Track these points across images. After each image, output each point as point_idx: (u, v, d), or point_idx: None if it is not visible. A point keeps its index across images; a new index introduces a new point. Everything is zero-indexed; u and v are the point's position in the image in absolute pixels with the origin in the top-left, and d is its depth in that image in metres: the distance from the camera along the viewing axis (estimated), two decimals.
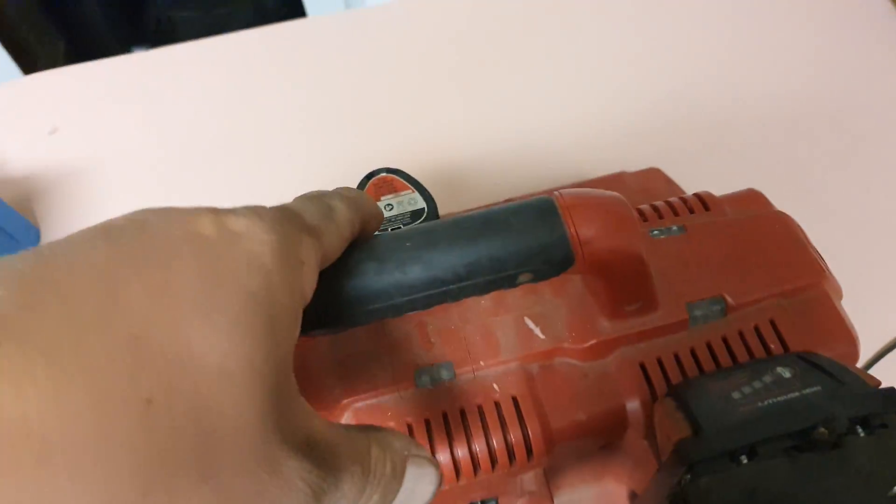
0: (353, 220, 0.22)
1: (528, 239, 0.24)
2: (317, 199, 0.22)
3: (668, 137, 0.56)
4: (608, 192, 0.26)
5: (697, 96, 0.59)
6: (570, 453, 0.29)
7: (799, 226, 0.32)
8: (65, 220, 0.60)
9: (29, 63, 0.71)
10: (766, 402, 0.24)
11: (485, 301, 0.30)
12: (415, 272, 0.23)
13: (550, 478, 0.32)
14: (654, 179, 0.44)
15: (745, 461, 0.23)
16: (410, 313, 0.28)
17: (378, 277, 0.23)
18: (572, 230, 0.24)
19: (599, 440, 0.29)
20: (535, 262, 0.24)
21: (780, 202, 0.34)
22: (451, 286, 0.24)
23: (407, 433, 0.27)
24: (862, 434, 0.23)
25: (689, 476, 0.23)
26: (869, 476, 0.22)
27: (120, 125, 0.66)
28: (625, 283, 0.27)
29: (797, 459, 0.22)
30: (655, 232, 0.31)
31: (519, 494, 0.30)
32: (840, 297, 0.32)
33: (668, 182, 0.43)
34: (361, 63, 0.66)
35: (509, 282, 0.25)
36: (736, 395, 0.25)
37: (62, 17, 1.05)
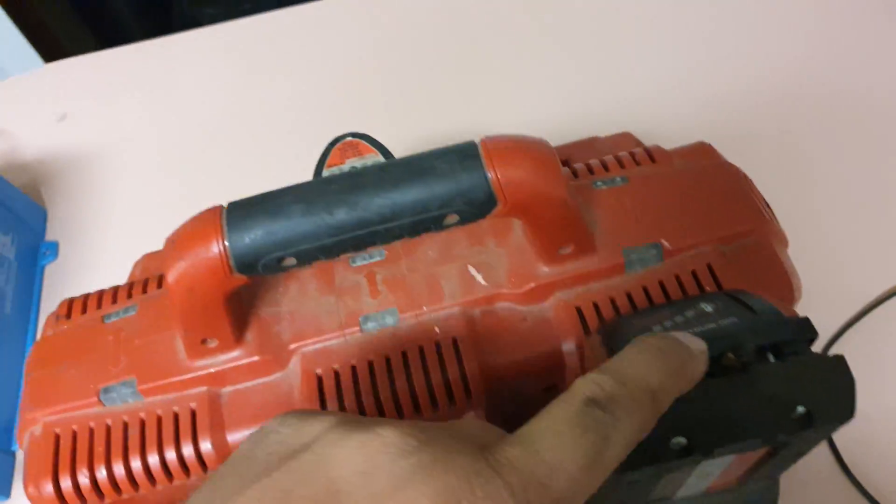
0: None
1: (450, 181, 0.25)
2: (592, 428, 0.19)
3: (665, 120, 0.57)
4: (532, 137, 0.27)
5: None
6: (513, 396, 0.30)
7: (746, 176, 0.33)
8: (71, 203, 0.63)
9: (58, 56, 0.75)
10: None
11: (431, 252, 0.31)
12: (341, 214, 0.25)
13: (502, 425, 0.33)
14: (624, 142, 0.44)
15: None
16: (359, 263, 0.29)
17: (306, 219, 0.25)
18: (493, 172, 0.25)
19: (539, 381, 0.30)
20: (458, 203, 0.25)
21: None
22: (379, 227, 0.25)
23: (350, 375, 0.29)
24: (772, 361, 0.23)
25: None
26: (774, 399, 0.23)
27: (128, 113, 0.68)
28: (552, 225, 0.28)
29: (705, 384, 0.23)
30: (599, 183, 0.32)
31: None
32: (785, 245, 0.32)
33: (638, 144, 0.44)
34: (365, 47, 0.68)
35: (436, 223, 0.26)
36: (656, 328, 0.25)
37: (90, 12, 1.09)
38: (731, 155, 0.35)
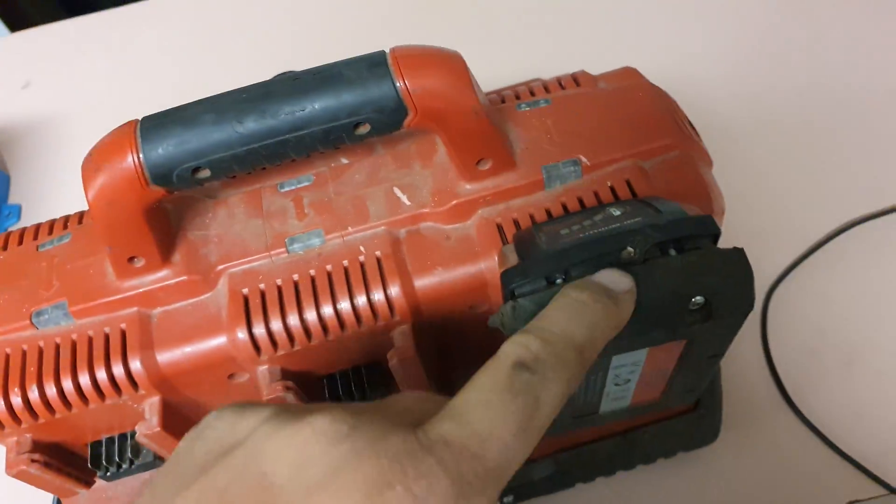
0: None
1: (359, 88, 0.25)
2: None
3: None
4: (443, 48, 0.27)
5: None
6: (440, 313, 0.30)
7: (672, 99, 0.33)
8: (33, 168, 0.64)
9: (24, 26, 0.76)
10: (587, 234, 0.25)
11: (359, 176, 0.32)
12: (250, 122, 0.25)
13: (444, 355, 0.34)
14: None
15: (559, 283, 0.24)
16: (287, 189, 0.30)
17: (216, 128, 0.25)
18: (402, 81, 0.26)
19: (464, 299, 0.30)
20: (367, 111, 0.26)
21: None
22: (289, 136, 0.26)
23: (277, 294, 0.29)
24: (673, 255, 0.24)
25: (509, 301, 0.24)
26: (673, 291, 0.23)
27: (90, 80, 0.69)
28: (467, 137, 0.28)
29: None
30: (522, 105, 0.32)
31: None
32: (709, 165, 0.33)
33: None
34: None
35: (348, 133, 0.26)
36: (564, 231, 0.26)
37: None
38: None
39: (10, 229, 0.61)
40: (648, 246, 0.24)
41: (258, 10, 0.70)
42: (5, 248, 0.33)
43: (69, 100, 0.67)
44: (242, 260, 0.30)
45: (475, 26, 0.65)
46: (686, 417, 0.39)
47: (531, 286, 0.24)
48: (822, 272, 0.48)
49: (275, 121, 0.25)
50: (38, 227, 0.33)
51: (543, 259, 0.24)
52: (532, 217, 0.30)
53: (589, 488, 0.41)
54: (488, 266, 0.29)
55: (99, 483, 0.33)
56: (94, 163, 0.26)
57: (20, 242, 0.33)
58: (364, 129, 0.26)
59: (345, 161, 0.32)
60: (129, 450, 0.32)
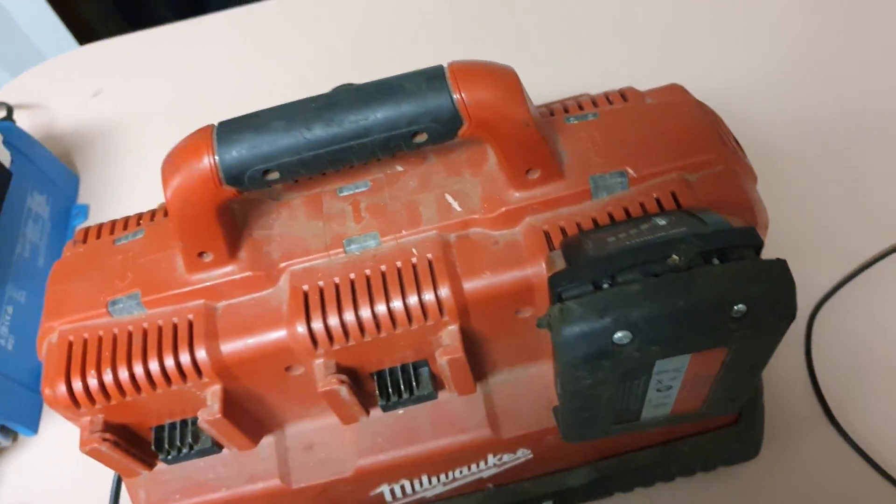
0: None
1: (418, 99, 0.27)
2: None
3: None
4: (497, 63, 0.29)
5: None
6: (486, 316, 0.32)
7: (717, 115, 0.34)
8: (101, 171, 0.67)
9: (90, 38, 0.81)
10: (633, 242, 0.26)
11: (412, 182, 0.33)
12: (318, 129, 0.27)
13: (485, 357, 0.35)
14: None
15: (605, 287, 0.25)
16: (345, 193, 0.31)
17: (286, 134, 0.27)
18: (458, 93, 0.27)
19: (510, 303, 0.31)
20: (425, 120, 0.27)
21: None
22: (352, 142, 0.27)
23: (334, 291, 0.31)
24: (716, 263, 0.25)
25: (557, 304, 0.25)
26: (716, 299, 0.24)
27: (156, 89, 0.72)
28: (518, 147, 0.29)
29: (649, 283, 0.24)
30: (571, 119, 0.33)
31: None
32: (754, 180, 0.33)
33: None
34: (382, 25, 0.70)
35: (407, 141, 0.28)
36: (611, 239, 0.27)
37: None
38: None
39: (77, 227, 0.64)
40: (693, 254, 0.25)
41: (313, 26, 0.73)
42: (85, 241, 0.35)
43: (136, 108, 0.71)
44: (303, 258, 0.32)
45: (527, 43, 0.66)
46: (727, 431, 0.39)
47: (578, 290, 0.25)
48: (868, 292, 0.47)
49: (340, 128, 0.27)
50: (113, 223, 0.36)
51: (590, 264, 0.26)
52: (578, 225, 0.31)
53: (627, 498, 0.42)
54: (535, 271, 0.31)
55: (159, 466, 0.35)
56: (172, 163, 0.28)
57: (98, 237, 0.35)
58: (421, 138, 0.28)
59: (399, 168, 0.34)
60: (189, 435, 0.34)
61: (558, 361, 0.26)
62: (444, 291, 0.30)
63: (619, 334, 0.24)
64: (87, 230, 0.36)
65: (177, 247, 0.32)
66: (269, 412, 0.35)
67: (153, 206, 0.46)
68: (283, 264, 0.32)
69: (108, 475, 0.46)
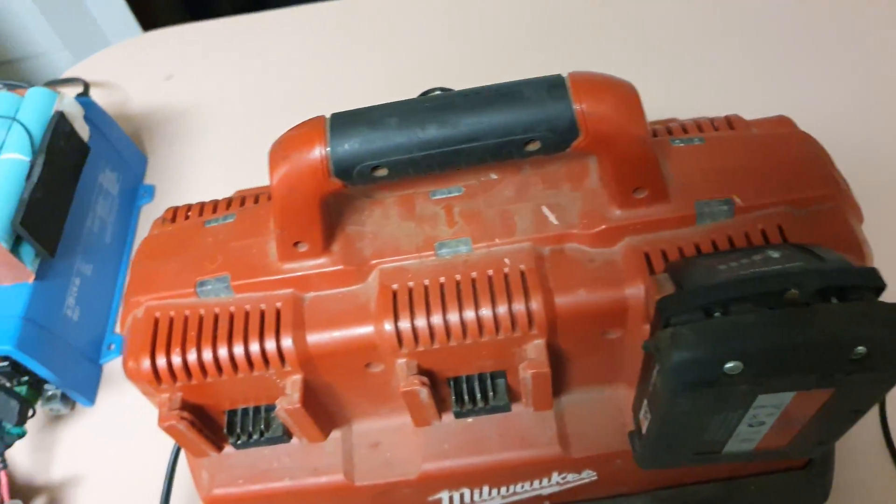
0: None
1: (537, 107, 0.27)
2: None
3: None
4: (617, 77, 0.28)
5: None
6: (573, 334, 0.31)
7: (823, 148, 0.33)
8: (169, 153, 0.68)
9: (153, 26, 0.82)
10: (747, 272, 0.26)
11: (508, 191, 0.33)
12: (432, 130, 0.27)
13: (562, 375, 0.34)
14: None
15: (717, 315, 0.24)
16: (439, 196, 0.31)
17: (400, 132, 0.27)
18: (577, 103, 0.27)
19: (600, 322, 0.31)
20: (542, 129, 0.27)
21: None
22: (465, 145, 0.27)
23: (423, 293, 0.31)
24: (836, 303, 0.24)
25: (665, 328, 0.25)
26: (834, 338, 0.23)
27: (225, 77, 0.74)
28: (629, 165, 0.29)
29: (766, 315, 0.24)
30: (677, 141, 0.33)
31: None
32: (860, 219, 0.32)
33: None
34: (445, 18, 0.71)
35: (519, 149, 0.28)
36: (722, 267, 0.26)
37: None
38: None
39: (142, 207, 0.65)
40: (812, 290, 0.24)
41: (380, 22, 0.73)
42: (173, 220, 0.36)
43: (205, 95, 0.72)
44: (394, 257, 0.32)
45: (620, 61, 0.66)
46: (797, 474, 0.38)
47: (688, 316, 0.25)
48: None
49: (454, 130, 0.27)
50: (202, 204, 0.36)
51: (703, 291, 0.25)
52: (680, 250, 0.30)
53: None
54: (632, 293, 0.30)
55: (227, 449, 0.35)
56: (282, 151, 0.28)
57: (186, 217, 0.36)
58: (533, 147, 0.28)
59: (493, 177, 0.34)
60: (261, 422, 0.34)
61: (662, 386, 0.25)
62: (535, 304, 0.30)
63: (729, 364, 0.24)
64: (175, 209, 0.36)
65: (269, 234, 0.33)
66: (340, 407, 0.35)
67: (218, 191, 0.46)
68: (373, 261, 0.32)
69: (161, 452, 0.46)
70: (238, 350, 0.31)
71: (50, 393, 0.51)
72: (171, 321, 0.32)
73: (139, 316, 0.33)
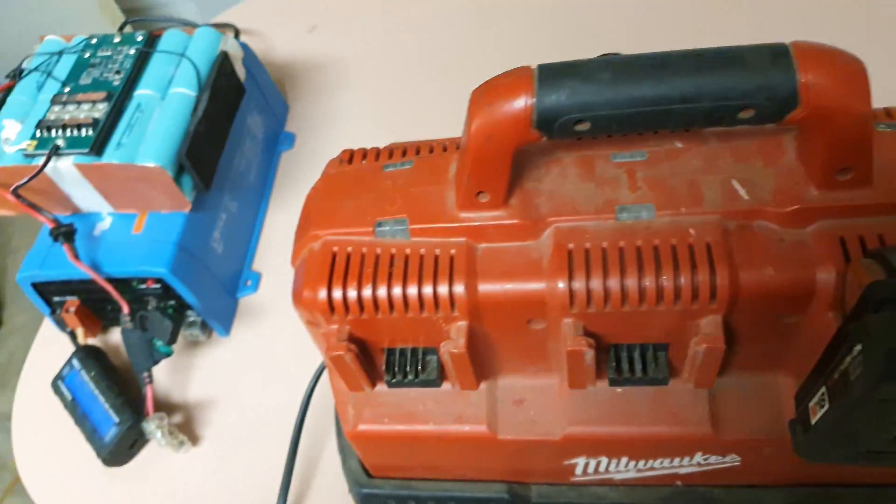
0: None
1: (757, 73, 0.26)
2: None
3: None
4: (844, 50, 0.27)
5: None
6: (749, 314, 0.30)
7: None
8: (309, 102, 0.70)
9: None
10: None
11: (695, 161, 0.32)
12: (646, 87, 0.26)
13: (727, 355, 0.33)
14: None
15: None
16: (620, 160, 0.31)
17: (611, 87, 0.27)
18: (801, 72, 0.26)
19: (782, 305, 0.30)
20: (759, 96, 0.26)
21: None
22: (678, 106, 0.27)
23: (600, 256, 0.31)
24: None
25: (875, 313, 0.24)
26: None
27: (369, 31, 0.75)
28: (842, 143, 0.28)
29: None
30: (881, 126, 0.31)
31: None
32: None
33: None
34: None
35: (730, 115, 0.27)
36: None
37: None
38: None
39: (283, 153, 0.68)
40: None
41: None
42: (350, 161, 0.37)
43: (348, 48, 0.74)
44: (571, 217, 0.32)
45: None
46: None
47: None
48: None
49: (669, 89, 0.26)
50: (377, 150, 0.37)
51: None
52: (881, 238, 0.29)
53: None
54: (822, 278, 0.29)
55: (379, 387, 0.37)
56: (485, 98, 0.29)
57: (363, 159, 0.37)
58: (746, 115, 0.27)
59: (678, 145, 0.33)
60: (418, 364, 0.35)
61: (865, 372, 0.24)
62: (720, 278, 0.29)
63: None
64: (352, 152, 0.37)
65: (447, 183, 0.33)
66: (492, 359, 0.35)
67: (357, 144, 0.47)
68: (550, 219, 0.32)
69: (289, 386, 0.48)
70: (412, 291, 0.32)
71: (191, 319, 0.54)
72: (349, 256, 0.33)
73: (316, 248, 0.34)
